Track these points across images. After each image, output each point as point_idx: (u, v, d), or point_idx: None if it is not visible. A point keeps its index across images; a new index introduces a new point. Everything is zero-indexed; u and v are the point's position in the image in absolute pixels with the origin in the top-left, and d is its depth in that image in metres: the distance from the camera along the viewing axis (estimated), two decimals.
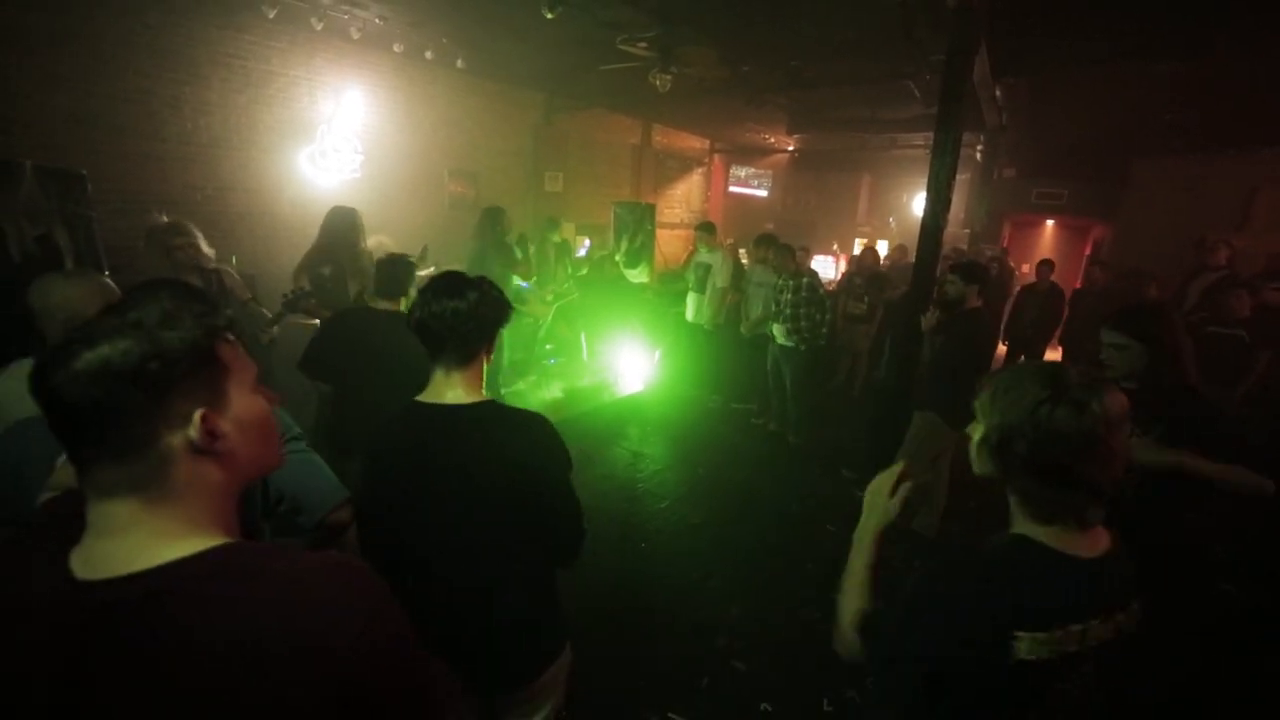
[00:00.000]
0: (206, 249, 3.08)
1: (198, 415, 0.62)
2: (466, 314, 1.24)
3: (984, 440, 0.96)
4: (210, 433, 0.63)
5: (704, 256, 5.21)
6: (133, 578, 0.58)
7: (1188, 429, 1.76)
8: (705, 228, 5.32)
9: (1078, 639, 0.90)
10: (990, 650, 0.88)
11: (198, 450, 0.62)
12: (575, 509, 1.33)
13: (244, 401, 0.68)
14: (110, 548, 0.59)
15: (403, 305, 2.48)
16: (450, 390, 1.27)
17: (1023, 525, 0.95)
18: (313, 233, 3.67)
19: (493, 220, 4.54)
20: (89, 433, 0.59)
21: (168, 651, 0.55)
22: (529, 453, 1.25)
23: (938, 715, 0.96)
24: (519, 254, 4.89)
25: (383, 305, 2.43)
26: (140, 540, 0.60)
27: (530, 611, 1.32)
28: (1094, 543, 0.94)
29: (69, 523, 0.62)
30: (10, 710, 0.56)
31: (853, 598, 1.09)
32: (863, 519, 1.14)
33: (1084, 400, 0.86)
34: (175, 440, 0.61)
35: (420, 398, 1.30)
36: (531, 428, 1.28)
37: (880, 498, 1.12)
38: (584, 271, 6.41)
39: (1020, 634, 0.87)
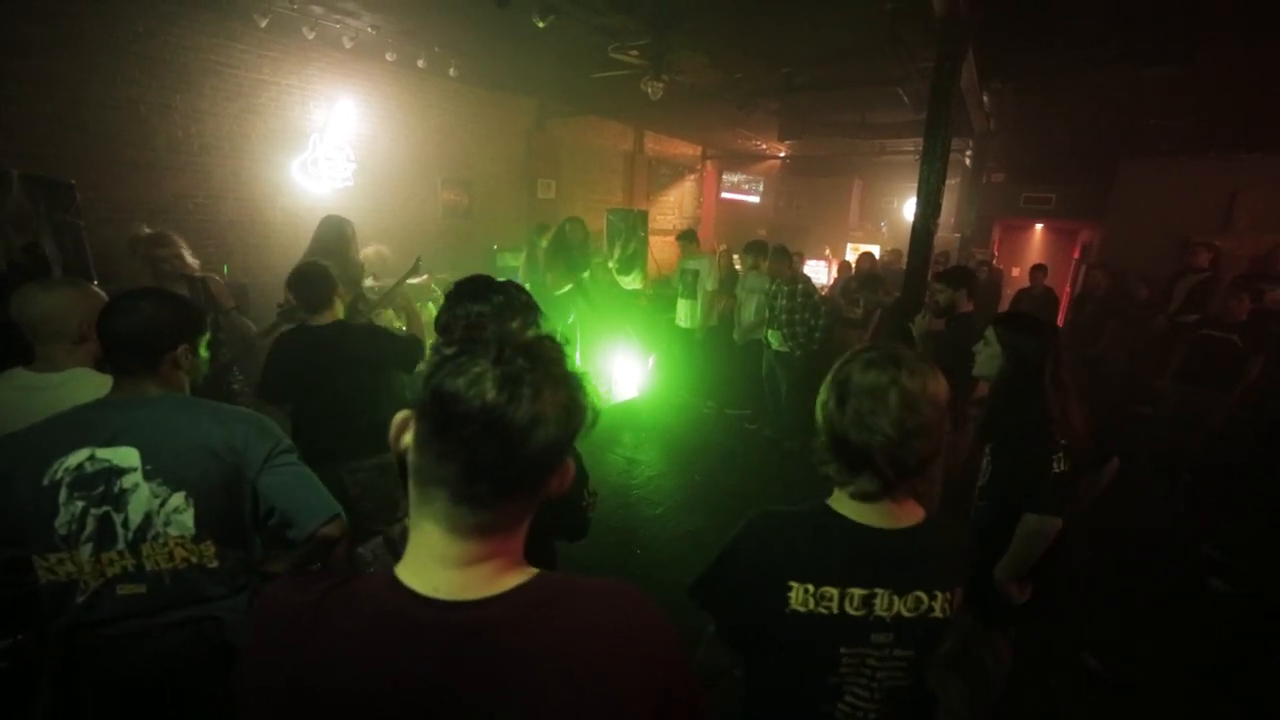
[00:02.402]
0: (191, 259, 3.05)
1: (571, 464, 0.64)
2: (489, 317, 1.23)
3: (819, 409, 1.02)
4: (566, 478, 0.65)
5: (690, 262, 5.24)
6: (493, 599, 0.59)
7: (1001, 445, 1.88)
8: (687, 236, 5.38)
9: (861, 603, 0.94)
10: (771, 595, 0.96)
11: (547, 495, 0.64)
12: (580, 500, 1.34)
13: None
14: (463, 577, 0.60)
15: (340, 311, 2.45)
16: None
17: (834, 496, 1.02)
18: (305, 241, 3.65)
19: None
20: (516, 483, 0.59)
21: (537, 662, 0.57)
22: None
23: (750, 673, 1.07)
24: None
25: (321, 319, 2.33)
26: (492, 570, 0.61)
27: None
28: (896, 517, 0.97)
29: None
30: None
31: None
32: None
33: (873, 368, 0.92)
34: (548, 489, 0.63)
35: None
36: None
37: None
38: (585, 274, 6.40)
39: (793, 582, 0.94)
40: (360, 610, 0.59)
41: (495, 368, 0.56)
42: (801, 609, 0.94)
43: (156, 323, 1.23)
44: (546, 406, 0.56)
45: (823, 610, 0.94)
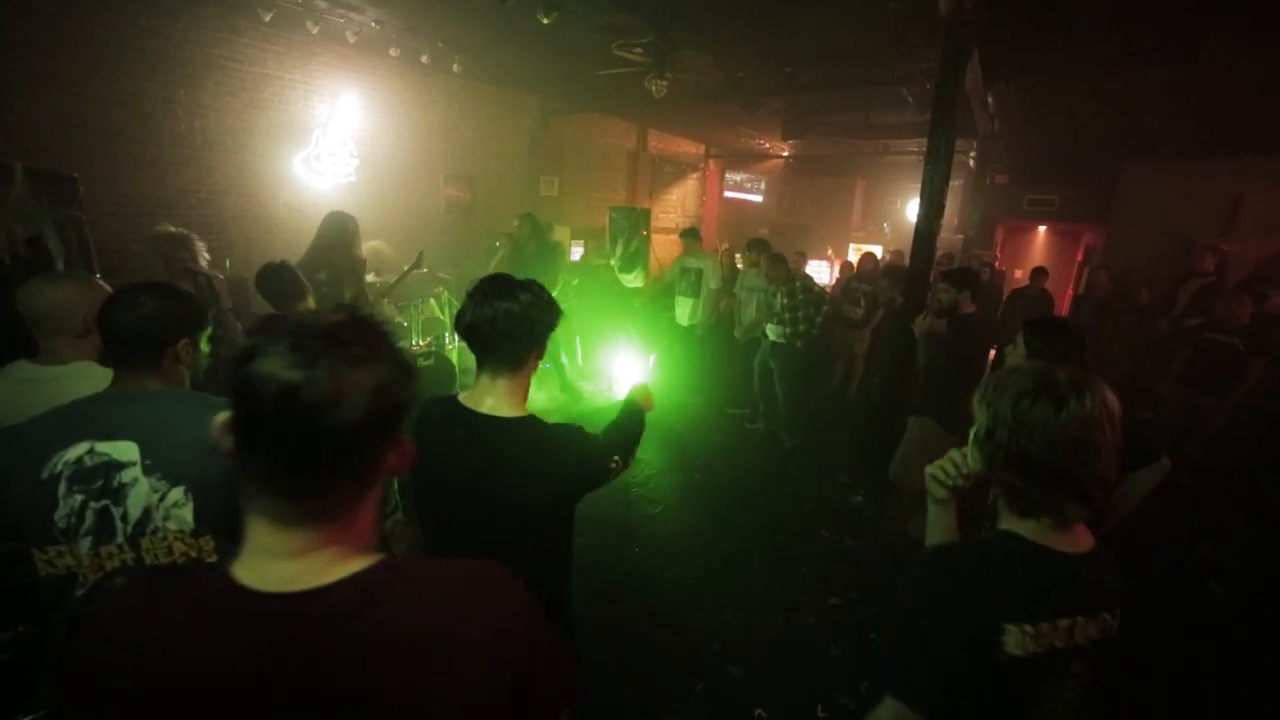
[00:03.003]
0: (204, 256, 3.11)
1: (410, 443, 0.64)
2: (519, 316, 1.19)
3: (976, 434, 0.98)
4: (407, 458, 0.64)
5: (693, 261, 5.23)
6: (323, 589, 0.57)
7: None
8: (690, 234, 5.34)
9: (1065, 635, 0.90)
10: (979, 646, 0.88)
11: (387, 474, 0.63)
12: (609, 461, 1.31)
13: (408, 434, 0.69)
14: (293, 568, 0.58)
15: (311, 302, 2.45)
16: (491, 397, 1.23)
17: (1006, 520, 0.97)
18: (308, 237, 3.66)
19: (540, 226, 4.60)
20: (331, 466, 0.57)
21: (366, 648, 0.56)
22: (570, 463, 1.22)
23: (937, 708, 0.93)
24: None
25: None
26: (324, 561, 0.59)
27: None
28: (1076, 540, 0.95)
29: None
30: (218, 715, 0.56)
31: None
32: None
33: (1064, 395, 0.88)
34: (379, 474, 0.62)
35: (461, 398, 1.26)
36: (572, 444, 1.24)
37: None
38: (575, 282, 6.40)
39: (1009, 626, 0.87)
40: (184, 607, 0.58)
41: (290, 352, 0.54)
42: (1019, 652, 0.87)
43: (158, 317, 1.23)
44: (346, 384, 0.54)
45: (1039, 649, 0.88)
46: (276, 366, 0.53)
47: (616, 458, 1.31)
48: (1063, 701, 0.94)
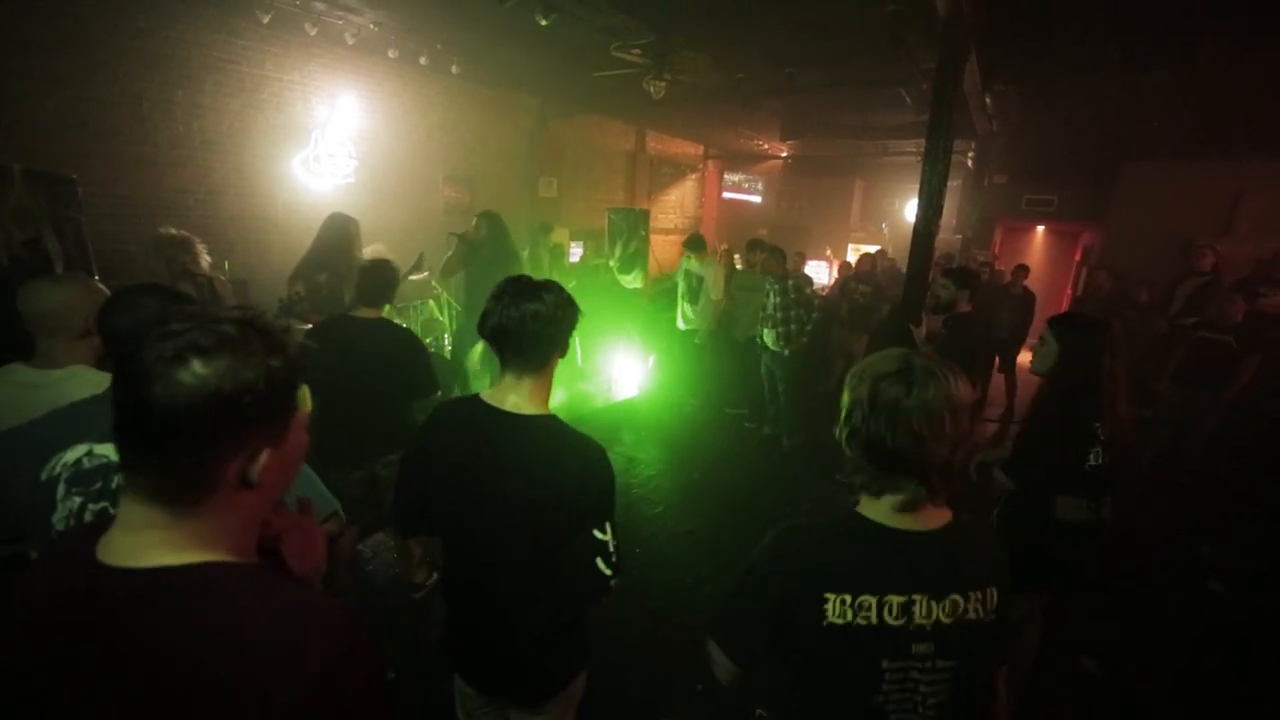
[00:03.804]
0: (205, 259, 3.10)
1: (265, 455, 0.63)
2: (547, 316, 1.20)
3: (843, 420, 0.98)
4: (267, 470, 0.63)
5: (696, 268, 5.18)
6: (136, 571, 0.59)
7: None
8: (695, 243, 5.22)
9: (900, 611, 0.91)
10: (805, 611, 0.92)
11: (244, 483, 0.62)
12: (599, 562, 1.21)
13: (296, 438, 0.67)
14: (128, 541, 0.61)
15: (386, 311, 2.45)
16: (514, 394, 1.23)
17: (864, 504, 0.99)
18: (306, 238, 3.66)
19: (501, 227, 4.33)
20: (158, 442, 0.58)
21: (134, 649, 0.56)
22: (573, 479, 1.19)
23: (794, 694, 1.01)
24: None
25: (366, 313, 2.34)
26: (153, 540, 0.60)
27: (550, 634, 1.28)
28: (928, 520, 0.95)
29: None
30: (12, 664, 0.58)
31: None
32: None
33: (913, 381, 0.90)
34: (231, 470, 0.61)
35: (484, 396, 1.26)
36: (582, 454, 1.22)
37: None
38: (574, 282, 6.40)
39: (829, 595, 0.91)
40: (56, 563, 0.64)
41: (158, 336, 0.57)
42: (840, 621, 0.91)
43: (157, 320, 1.23)
44: (183, 366, 0.56)
45: (861, 621, 0.90)
46: (141, 340, 0.58)
47: (610, 527, 1.24)
48: (907, 684, 0.93)
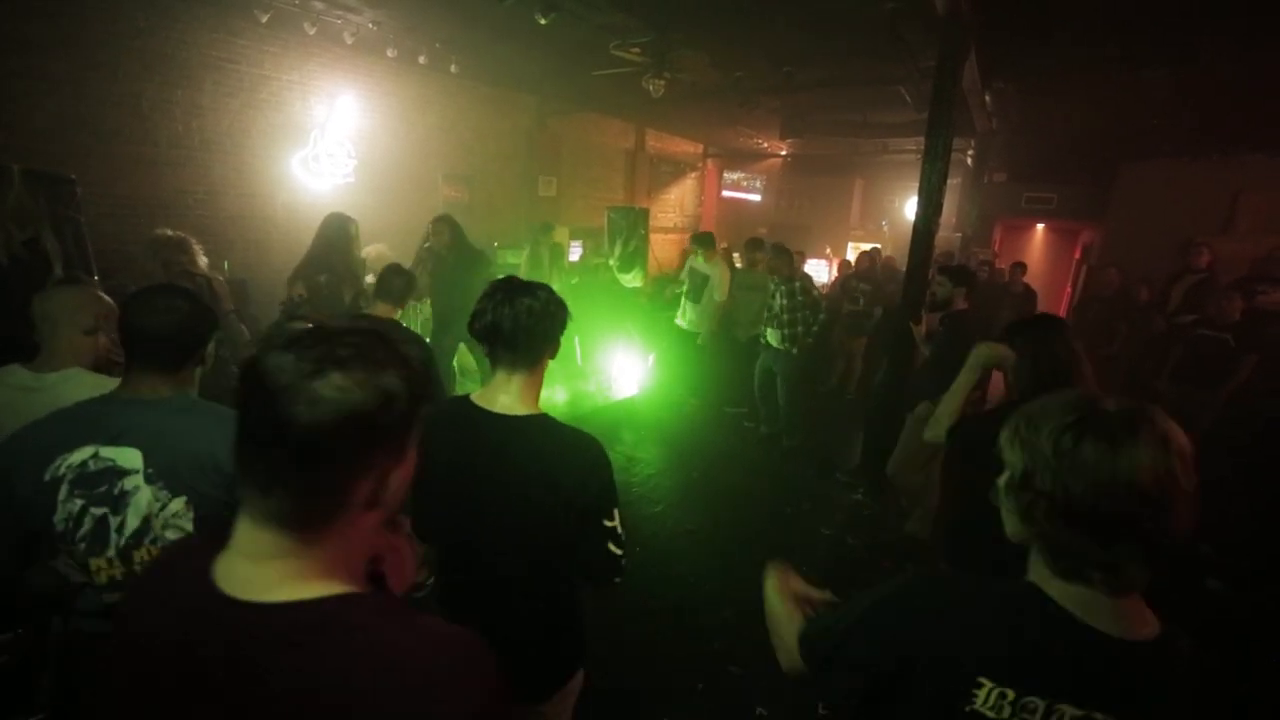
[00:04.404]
0: (202, 260, 3.10)
1: (397, 473, 0.62)
2: (540, 311, 1.21)
3: (1008, 485, 0.79)
4: (395, 491, 0.62)
5: (702, 267, 5.11)
6: (271, 606, 0.56)
7: None
8: (703, 240, 5.17)
9: (1043, 716, 0.74)
10: (947, 688, 0.76)
11: (369, 504, 0.60)
12: (610, 545, 1.24)
13: (412, 455, 0.65)
14: (252, 571, 0.58)
15: (398, 315, 2.49)
16: (505, 395, 1.23)
17: (1039, 577, 0.79)
18: (306, 237, 3.66)
19: (459, 229, 4.21)
20: (296, 464, 0.55)
21: (274, 688, 0.54)
22: (570, 472, 1.19)
23: None
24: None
25: (382, 310, 2.42)
26: (281, 573, 0.58)
27: (547, 633, 1.29)
28: (1129, 622, 0.75)
29: (218, 536, 0.62)
30: (141, 693, 0.58)
31: (787, 628, 1.01)
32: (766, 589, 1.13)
33: (1116, 430, 0.71)
34: (362, 491, 0.59)
35: (474, 397, 1.26)
36: (581, 452, 1.22)
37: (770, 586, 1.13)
38: (574, 281, 6.41)
39: (985, 680, 0.74)
40: (172, 581, 0.61)
41: (284, 348, 0.55)
42: (990, 714, 0.74)
43: (192, 322, 1.24)
44: (319, 384, 0.53)
45: (1009, 715, 0.74)
46: (268, 357, 0.55)
47: (617, 513, 1.26)
48: None
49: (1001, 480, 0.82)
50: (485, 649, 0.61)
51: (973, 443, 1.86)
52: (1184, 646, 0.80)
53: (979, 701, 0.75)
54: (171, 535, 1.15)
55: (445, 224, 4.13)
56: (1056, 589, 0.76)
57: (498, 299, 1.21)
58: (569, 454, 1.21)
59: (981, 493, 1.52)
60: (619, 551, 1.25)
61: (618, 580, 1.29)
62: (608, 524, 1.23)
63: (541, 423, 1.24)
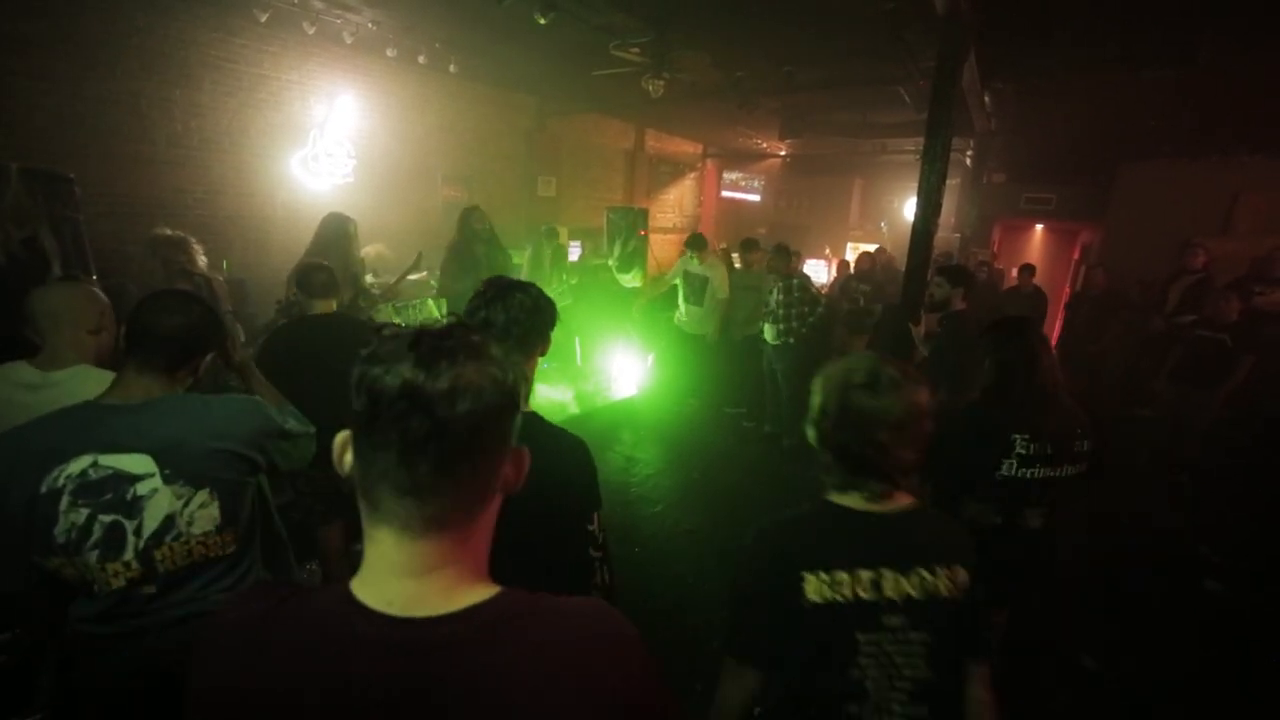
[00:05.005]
0: (201, 259, 3.10)
1: (525, 453, 0.63)
2: (531, 307, 1.23)
3: (811, 415, 1.07)
4: (521, 471, 0.64)
5: (698, 268, 5.06)
6: (448, 618, 0.56)
7: None
8: (697, 242, 5.12)
9: (869, 586, 0.99)
10: (784, 593, 0.99)
11: (503, 489, 0.62)
12: (585, 556, 1.25)
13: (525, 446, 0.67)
14: (418, 588, 0.57)
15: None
16: None
17: (832, 494, 1.07)
18: (304, 237, 3.65)
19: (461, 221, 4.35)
20: (458, 459, 0.56)
21: (489, 688, 0.54)
22: (552, 471, 1.18)
23: (779, 671, 1.04)
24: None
25: (318, 308, 2.44)
26: (448, 581, 0.58)
27: None
28: (892, 503, 1.04)
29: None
30: None
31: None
32: None
33: (882, 387, 0.98)
34: (502, 472, 0.61)
35: None
36: (566, 453, 1.23)
37: None
38: (574, 281, 6.40)
39: (806, 574, 0.98)
40: (309, 626, 0.57)
41: (411, 351, 0.56)
42: (817, 598, 0.98)
43: (202, 326, 1.25)
44: (468, 375, 0.56)
45: (837, 597, 0.98)
46: (400, 366, 0.55)
47: (597, 516, 1.28)
48: (881, 657, 0.99)
49: (811, 410, 1.08)
50: (616, 611, 0.66)
51: (943, 435, 1.91)
52: (935, 513, 1.11)
53: (808, 591, 0.98)
54: (197, 529, 1.16)
55: (476, 214, 4.35)
56: (838, 497, 1.06)
57: (489, 296, 1.23)
58: (554, 455, 1.20)
59: (947, 486, 1.82)
60: (596, 554, 1.26)
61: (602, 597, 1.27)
62: (589, 527, 1.24)
63: (533, 419, 1.23)
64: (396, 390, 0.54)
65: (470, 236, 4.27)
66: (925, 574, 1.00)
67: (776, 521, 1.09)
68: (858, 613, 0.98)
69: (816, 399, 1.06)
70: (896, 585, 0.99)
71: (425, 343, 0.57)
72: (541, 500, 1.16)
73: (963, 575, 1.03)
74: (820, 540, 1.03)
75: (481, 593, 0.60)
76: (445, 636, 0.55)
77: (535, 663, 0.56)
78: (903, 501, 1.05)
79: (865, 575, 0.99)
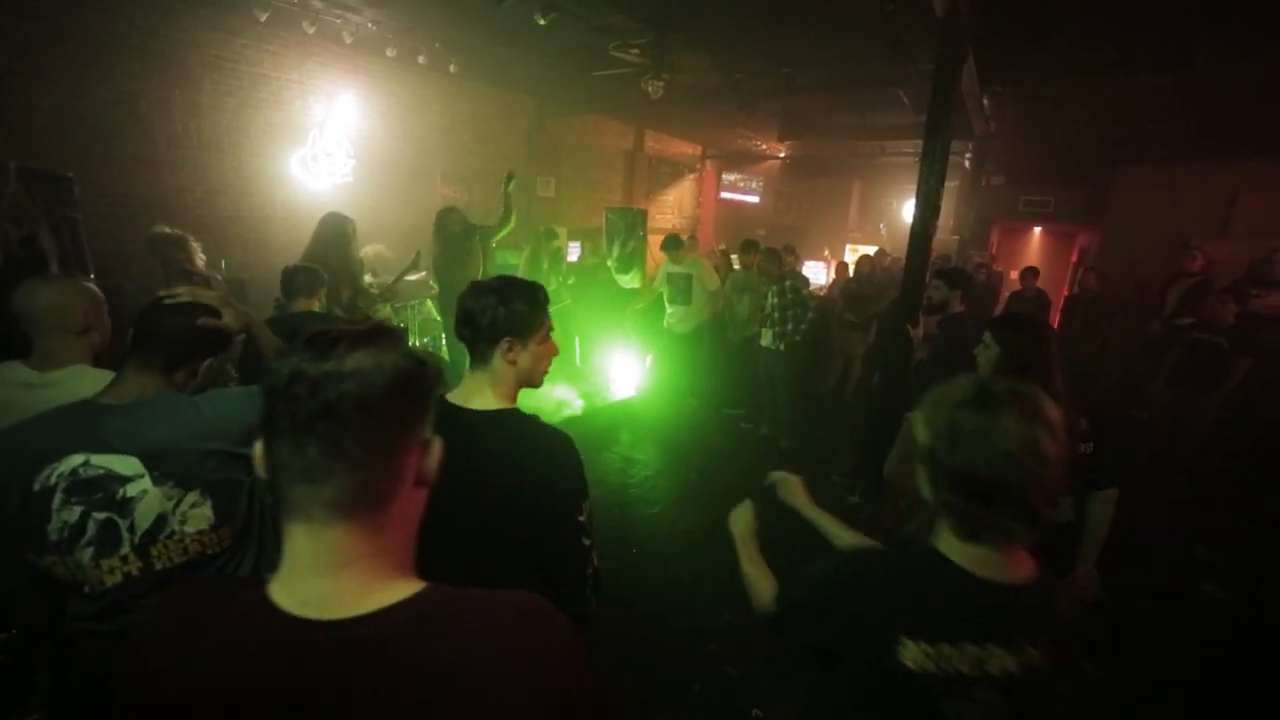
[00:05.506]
0: (200, 258, 3.10)
1: (438, 442, 0.63)
2: (484, 309, 1.20)
3: (918, 457, 0.92)
4: (436, 461, 0.64)
5: (679, 268, 5.07)
6: (360, 619, 0.55)
7: None
8: (671, 243, 5.12)
9: (972, 662, 0.87)
10: (877, 651, 0.88)
11: (419, 482, 0.62)
12: (579, 545, 1.22)
13: (440, 437, 0.67)
14: (331, 586, 0.57)
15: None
16: (478, 395, 1.23)
17: (944, 541, 0.92)
18: (304, 237, 3.66)
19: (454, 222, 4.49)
20: (349, 438, 0.56)
21: (386, 699, 0.53)
22: (540, 467, 1.18)
23: (846, 708, 0.97)
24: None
25: (299, 307, 2.52)
26: (362, 579, 0.57)
27: None
28: (1013, 568, 0.90)
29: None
30: None
31: (762, 585, 1.19)
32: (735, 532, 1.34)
33: (1000, 405, 0.83)
34: (413, 461, 0.61)
35: (449, 396, 1.25)
36: (549, 447, 1.21)
37: (739, 523, 1.37)
38: (571, 281, 6.40)
39: (905, 639, 0.87)
40: (232, 626, 0.57)
41: (310, 344, 0.58)
42: (912, 666, 0.87)
43: (207, 330, 1.25)
44: (357, 359, 0.57)
45: (934, 669, 0.87)
46: (295, 357, 0.57)
47: (586, 506, 1.25)
48: (964, 718, 0.91)
49: (916, 453, 0.94)
50: (546, 602, 0.64)
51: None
52: (1052, 582, 0.95)
53: (903, 656, 0.87)
54: (190, 528, 1.16)
55: (451, 213, 4.52)
56: (956, 550, 0.90)
57: (470, 291, 1.23)
58: (537, 449, 1.20)
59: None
60: (587, 541, 1.25)
61: (591, 597, 1.27)
62: (580, 518, 1.23)
63: (512, 417, 1.22)
64: (287, 377, 0.56)
65: (448, 238, 4.46)
66: (1031, 650, 0.89)
67: (880, 559, 0.97)
68: (952, 684, 0.87)
69: (921, 433, 0.91)
70: (1002, 663, 0.87)
71: (325, 337, 0.59)
72: (532, 499, 1.17)
73: (1048, 645, 0.93)
74: (928, 605, 0.89)
75: (401, 590, 0.58)
76: (360, 638, 0.54)
77: (457, 663, 0.55)
78: (1024, 566, 0.91)
79: (971, 651, 0.87)
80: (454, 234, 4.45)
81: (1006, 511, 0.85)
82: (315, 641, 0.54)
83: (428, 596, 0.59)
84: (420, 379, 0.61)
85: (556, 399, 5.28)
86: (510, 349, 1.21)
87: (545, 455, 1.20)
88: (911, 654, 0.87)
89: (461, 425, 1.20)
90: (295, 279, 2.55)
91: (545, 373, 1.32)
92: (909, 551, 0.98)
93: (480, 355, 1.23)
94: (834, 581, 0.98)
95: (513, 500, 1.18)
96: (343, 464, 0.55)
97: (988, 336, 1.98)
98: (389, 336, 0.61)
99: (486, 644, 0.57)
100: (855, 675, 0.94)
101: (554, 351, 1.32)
